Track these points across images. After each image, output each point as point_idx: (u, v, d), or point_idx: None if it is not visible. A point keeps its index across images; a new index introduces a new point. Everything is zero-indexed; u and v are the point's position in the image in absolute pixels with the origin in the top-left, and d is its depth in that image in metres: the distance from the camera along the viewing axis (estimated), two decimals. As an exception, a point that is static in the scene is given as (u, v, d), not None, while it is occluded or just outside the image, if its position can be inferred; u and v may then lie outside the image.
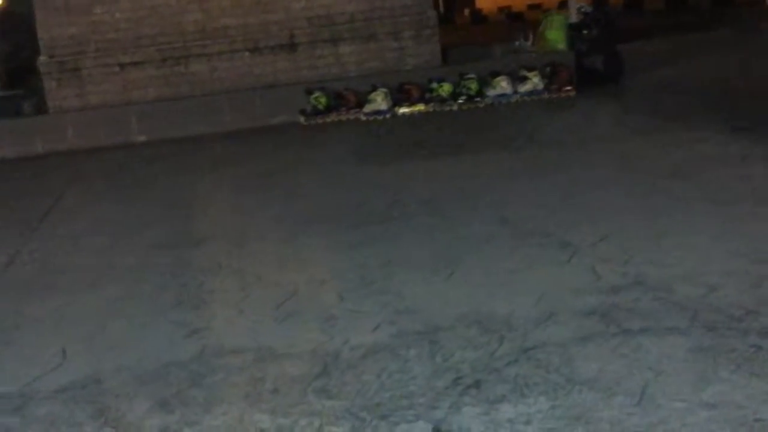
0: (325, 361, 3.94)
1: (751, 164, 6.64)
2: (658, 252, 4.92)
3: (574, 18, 12.02)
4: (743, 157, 6.89)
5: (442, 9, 30.47)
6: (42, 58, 11.69)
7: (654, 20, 21.63)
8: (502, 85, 10.93)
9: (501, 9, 30.99)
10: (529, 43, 12.41)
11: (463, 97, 10.93)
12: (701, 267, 4.60)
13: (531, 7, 28.94)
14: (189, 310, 4.88)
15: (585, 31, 11.76)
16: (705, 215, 5.52)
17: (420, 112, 10.88)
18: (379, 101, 10.86)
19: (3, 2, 15.32)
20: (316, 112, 11.13)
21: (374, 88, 11.01)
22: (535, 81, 10.98)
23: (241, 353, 4.15)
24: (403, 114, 10.88)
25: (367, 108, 10.94)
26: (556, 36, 11.83)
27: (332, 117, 11.06)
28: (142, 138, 11.39)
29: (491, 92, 10.95)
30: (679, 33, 16.99)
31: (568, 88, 10.97)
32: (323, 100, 11.14)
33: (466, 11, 32.11)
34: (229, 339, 4.36)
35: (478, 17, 30.93)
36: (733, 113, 8.78)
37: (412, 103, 10.98)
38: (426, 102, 10.97)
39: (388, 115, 10.86)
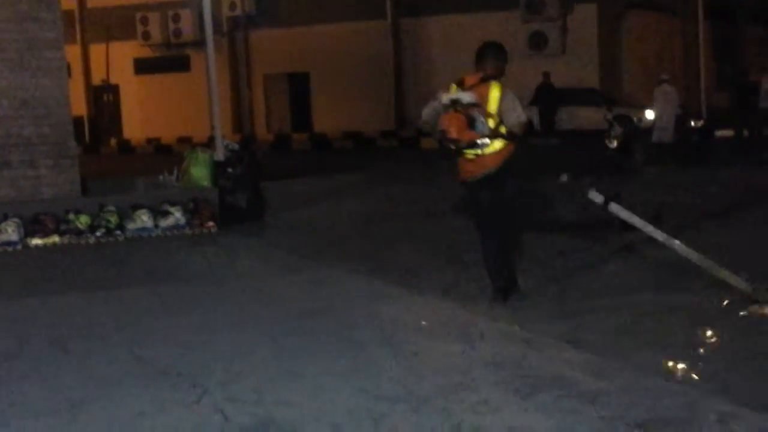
0: None
1: (379, 304, 6.93)
2: (289, 392, 4.95)
3: (220, 155, 12.15)
4: (371, 296, 7.19)
5: (87, 138, 29.73)
6: None
7: (300, 160, 22.51)
8: (143, 218, 10.73)
9: (150, 140, 30.82)
10: (174, 177, 12.38)
11: (102, 230, 10.58)
12: (328, 406, 4.68)
13: (180, 140, 29.06)
14: None
15: (230, 169, 11.93)
16: (336, 354, 5.66)
17: (55, 244, 10.37)
18: (10, 232, 10.22)
19: None
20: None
21: (5, 218, 10.37)
22: (177, 216, 10.90)
23: None
24: (36, 246, 10.30)
25: (-4, 238, 10.25)
26: (200, 173, 11.90)
27: (-45, 247, 10.23)
28: None
29: (131, 226, 10.71)
30: (324, 174, 17.74)
31: (211, 223, 11.00)
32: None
33: (113, 141, 31.55)
34: None
35: (126, 147, 30.62)
36: (365, 254, 9.21)
37: (46, 235, 10.44)
38: (61, 234, 10.48)
39: (18, 247, 10.23)
